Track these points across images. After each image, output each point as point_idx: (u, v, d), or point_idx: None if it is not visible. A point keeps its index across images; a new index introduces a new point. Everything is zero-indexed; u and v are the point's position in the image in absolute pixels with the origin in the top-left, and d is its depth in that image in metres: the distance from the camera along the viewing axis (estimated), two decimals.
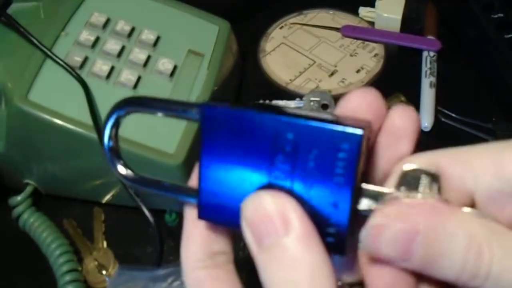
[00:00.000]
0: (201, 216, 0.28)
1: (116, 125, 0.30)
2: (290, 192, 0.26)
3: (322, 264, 0.25)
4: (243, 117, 0.26)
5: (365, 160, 0.27)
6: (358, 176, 0.26)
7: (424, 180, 0.26)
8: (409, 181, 0.26)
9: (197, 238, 0.29)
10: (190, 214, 0.29)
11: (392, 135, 0.28)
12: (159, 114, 0.29)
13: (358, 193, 0.26)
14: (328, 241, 0.25)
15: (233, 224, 0.27)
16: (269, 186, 0.26)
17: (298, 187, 0.26)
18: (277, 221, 0.25)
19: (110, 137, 0.30)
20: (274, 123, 0.26)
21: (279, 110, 0.26)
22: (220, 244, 0.29)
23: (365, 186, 0.26)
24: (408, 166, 0.27)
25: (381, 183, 0.27)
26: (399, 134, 0.28)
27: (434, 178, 0.26)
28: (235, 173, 0.27)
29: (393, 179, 0.27)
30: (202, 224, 0.29)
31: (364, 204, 0.26)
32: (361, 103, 0.28)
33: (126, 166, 0.30)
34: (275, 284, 0.25)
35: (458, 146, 0.27)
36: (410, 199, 0.26)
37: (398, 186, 0.26)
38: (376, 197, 0.26)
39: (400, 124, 0.28)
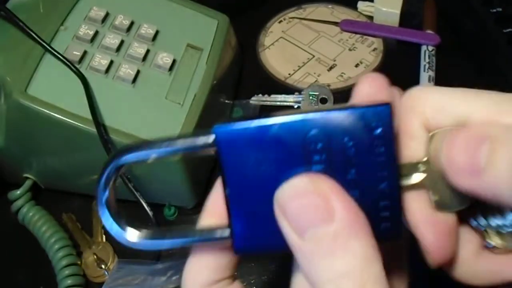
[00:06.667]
0: (238, 250, 0.26)
1: (114, 178, 0.27)
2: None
3: (372, 250, 0.23)
4: (263, 130, 0.25)
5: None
6: (397, 153, 0.25)
7: None
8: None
9: (202, 270, 0.28)
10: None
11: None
12: (166, 152, 0.26)
13: (399, 170, 0.26)
14: (382, 227, 0.25)
15: (275, 247, 0.26)
16: None
17: (340, 179, 0.25)
18: (319, 207, 0.23)
19: (107, 192, 0.27)
20: (299, 126, 0.25)
21: (293, 113, 0.25)
22: (226, 271, 0.28)
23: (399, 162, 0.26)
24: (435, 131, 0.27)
25: None
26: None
27: None
28: (270, 189, 0.25)
29: (421, 146, 0.26)
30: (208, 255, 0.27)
31: (414, 178, 0.26)
32: (375, 88, 0.27)
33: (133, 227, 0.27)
34: (323, 277, 0.23)
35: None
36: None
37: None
38: (416, 168, 0.26)
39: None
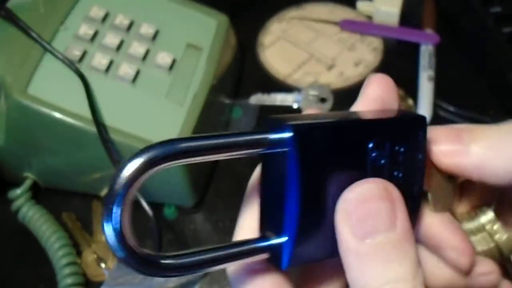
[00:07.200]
0: (288, 263, 0.25)
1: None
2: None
3: (418, 258, 0.24)
4: (332, 132, 0.24)
5: None
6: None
7: None
8: None
9: None
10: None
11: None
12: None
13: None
14: None
15: (318, 257, 0.25)
16: None
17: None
18: (386, 213, 0.23)
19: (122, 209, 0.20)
20: (362, 131, 0.25)
21: (358, 119, 0.26)
22: None
23: None
24: None
25: None
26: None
27: None
28: (329, 193, 0.24)
29: None
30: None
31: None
32: (384, 92, 0.28)
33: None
34: (377, 281, 0.23)
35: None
36: None
37: None
38: None
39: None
